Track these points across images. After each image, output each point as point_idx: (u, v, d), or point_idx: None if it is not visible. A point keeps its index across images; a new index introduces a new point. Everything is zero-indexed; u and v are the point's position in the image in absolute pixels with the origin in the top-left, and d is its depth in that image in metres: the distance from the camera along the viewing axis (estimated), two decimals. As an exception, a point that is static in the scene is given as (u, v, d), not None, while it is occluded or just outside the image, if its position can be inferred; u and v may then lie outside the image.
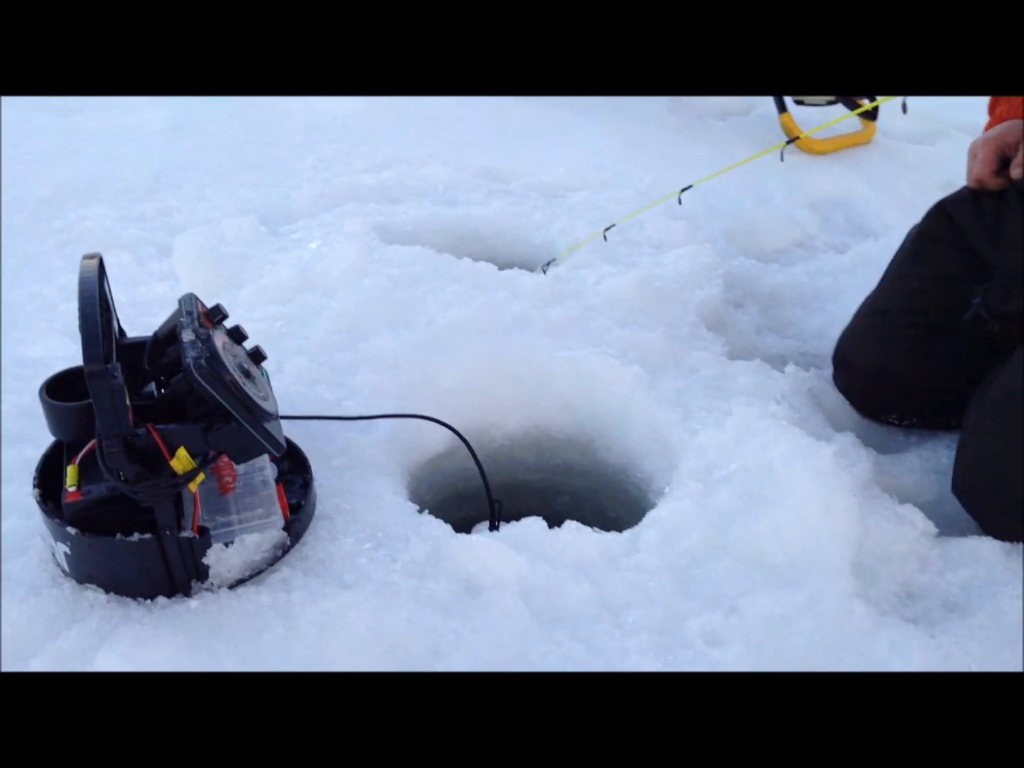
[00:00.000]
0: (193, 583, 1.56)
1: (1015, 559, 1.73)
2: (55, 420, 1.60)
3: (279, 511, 1.64)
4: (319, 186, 3.28)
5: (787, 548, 1.67)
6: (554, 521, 1.77)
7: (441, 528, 1.74)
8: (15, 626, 1.48)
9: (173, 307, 1.66)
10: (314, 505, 1.75)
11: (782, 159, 2.43)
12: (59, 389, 1.61)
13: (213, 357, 1.48)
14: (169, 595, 1.55)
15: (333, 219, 2.99)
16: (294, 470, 1.80)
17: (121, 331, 1.73)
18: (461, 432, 2.00)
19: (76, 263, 1.54)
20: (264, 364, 1.74)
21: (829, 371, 2.31)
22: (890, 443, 2.17)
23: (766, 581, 1.64)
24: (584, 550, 1.70)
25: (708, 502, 1.78)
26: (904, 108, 1.88)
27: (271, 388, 1.70)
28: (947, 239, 2.11)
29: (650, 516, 1.80)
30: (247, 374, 1.57)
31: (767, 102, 4.03)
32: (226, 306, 1.69)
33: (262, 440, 1.52)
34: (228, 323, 1.72)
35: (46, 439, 1.69)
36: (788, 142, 2.34)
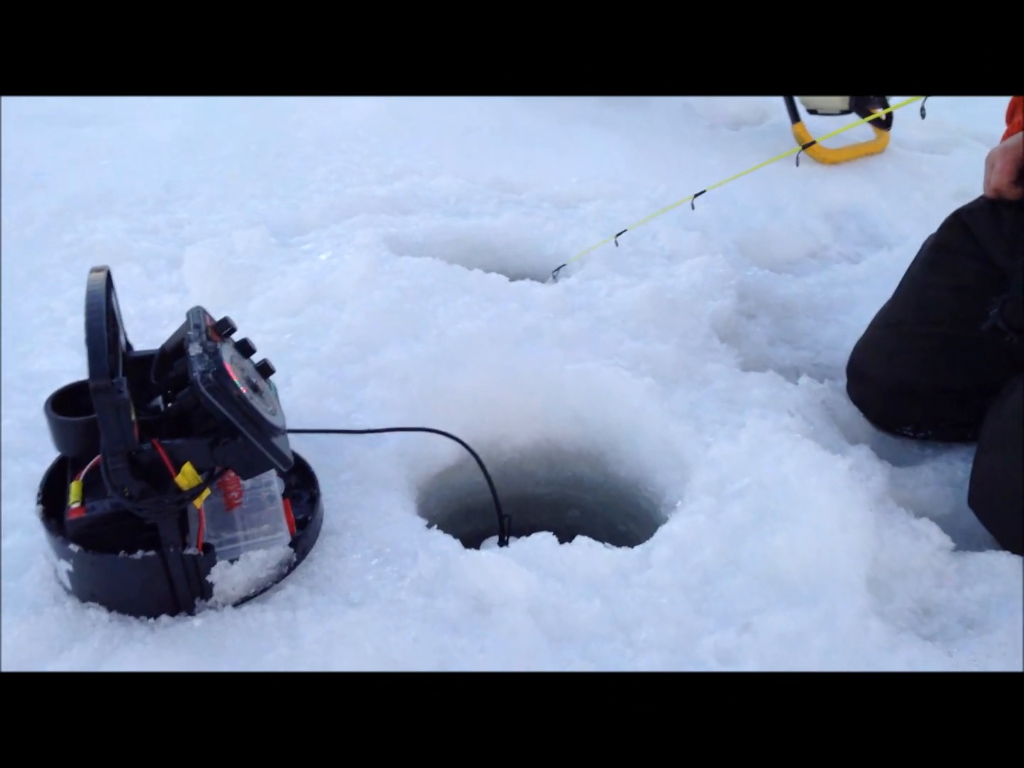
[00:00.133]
0: (197, 601, 1.54)
1: (1034, 574, 1.71)
2: (59, 435, 1.59)
3: (285, 527, 1.62)
4: (330, 197, 3.28)
5: (802, 564, 1.65)
6: (564, 535, 1.75)
7: (450, 544, 1.72)
8: (16, 645, 1.46)
9: (182, 320, 1.65)
10: (321, 520, 1.73)
11: (797, 164, 2.41)
12: (64, 403, 1.60)
13: (220, 371, 1.46)
14: (172, 613, 1.53)
15: (344, 230, 2.98)
16: (301, 485, 1.79)
17: (128, 344, 1.72)
18: (471, 445, 1.98)
19: (85, 276, 1.53)
20: (272, 377, 1.72)
21: (843, 383, 2.29)
22: (905, 456, 2.15)
23: (780, 598, 1.61)
24: (595, 566, 1.68)
25: (721, 517, 1.76)
26: (923, 113, 1.86)
27: (279, 402, 1.68)
28: (964, 249, 2.08)
29: (662, 531, 1.77)
30: (255, 388, 1.56)
31: (780, 112, 4.01)
32: (235, 318, 1.67)
33: (269, 455, 1.50)
34: (236, 336, 1.70)
35: (51, 454, 1.67)
36: (804, 147, 2.33)
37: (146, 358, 1.66)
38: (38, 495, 1.59)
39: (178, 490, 1.44)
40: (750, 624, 1.56)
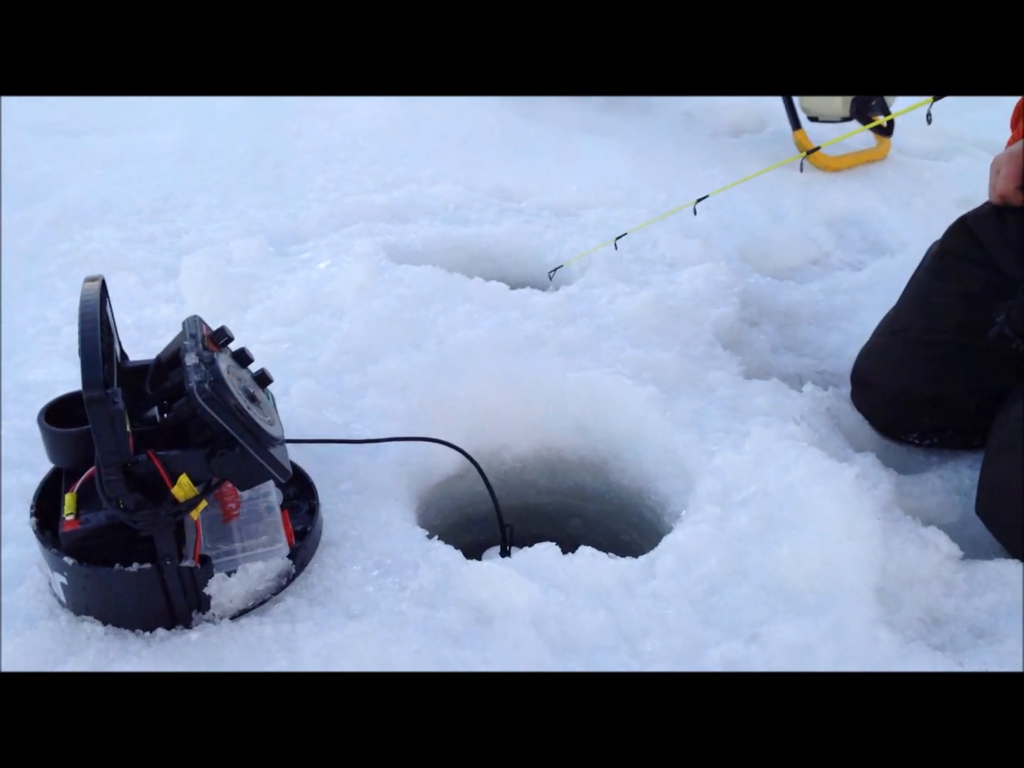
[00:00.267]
0: (194, 614, 1.52)
1: (1043, 583, 1.69)
2: (53, 446, 1.57)
3: (284, 538, 1.60)
4: (328, 206, 3.26)
5: (809, 573, 1.63)
6: (566, 545, 1.74)
7: (451, 554, 1.70)
8: (10, 659, 1.44)
9: (179, 329, 1.64)
10: (320, 531, 1.71)
11: (802, 170, 2.40)
12: (58, 414, 1.58)
13: (217, 381, 1.45)
14: (169, 627, 1.51)
15: (342, 239, 2.96)
16: (300, 495, 1.77)
17: (123, 354, 1.71)
18: (471, 455, 1.97)
19: (80, 286, 1.51)
20: (270, 387, 1.70)
21: (847, 390, 2.27)
22: (910, 464, 2.13)
23: (788, 608, 1.59)
24: (599, 577, 1.66)
25: (727, 526, 1.74)
26: (928, 118, 1.84)
27: (277, 412, 1.66)
28: (969, 256, 2.07)
29: (667, 541, 1.75)
30: (252, 398, 1.54)
31: (780, 120, 4.00)
32: (232, 328, 1.66)
33: (267, 466, 1.49)
34: (233, 345, 1.68)
35: (45, 465, 1.65)
36: (808, 153, 2.31)
37: (142, 368, 1.65)
38: (32, 507, 1.58)
39: (174, 502, 1.42)
40: (757, 635, 1.54)
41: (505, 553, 1.85)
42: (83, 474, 1.53)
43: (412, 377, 2.17)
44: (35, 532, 1.51)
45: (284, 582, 1.59)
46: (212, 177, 3.53)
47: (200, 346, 1.55)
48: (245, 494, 1.66)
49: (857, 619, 1.55)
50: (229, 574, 1.53)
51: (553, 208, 3.31)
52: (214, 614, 1.53)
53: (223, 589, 1.53)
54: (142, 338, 2.33)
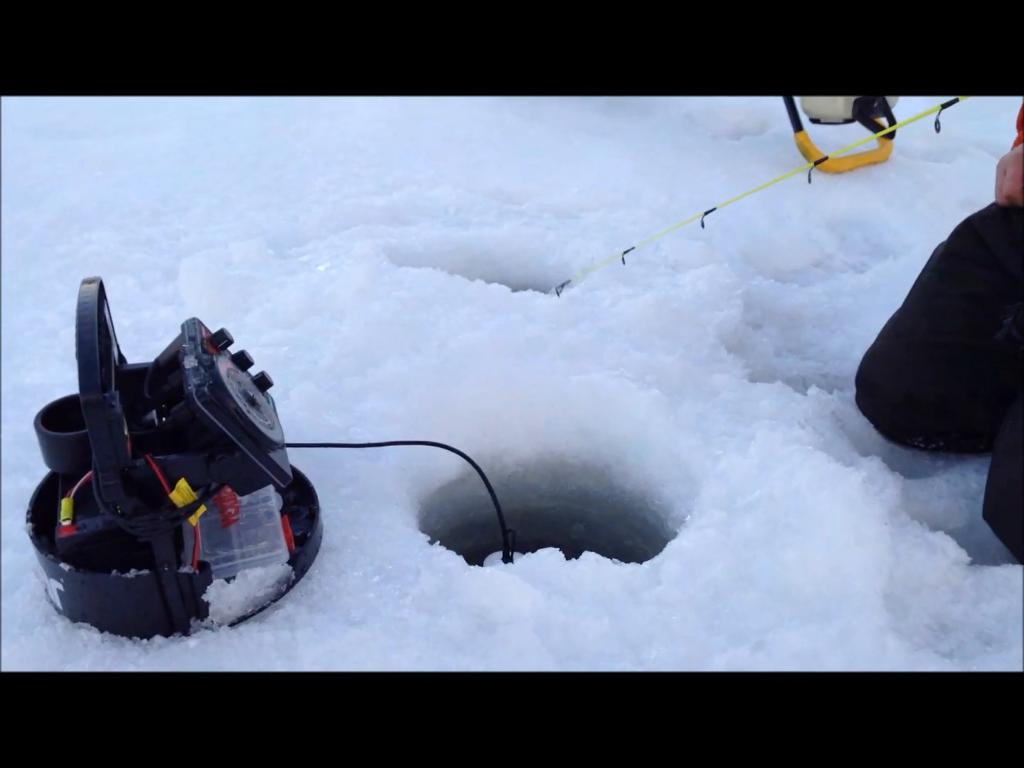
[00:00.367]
0: (192, 621, 1.50)
1: (1052, 589, 1.67)
2: (50, 451, 1.56)
3: (284, 544, 1.58)
4: (328, 208, 3.25)
5: (815, 579, 1.62)
6: (569, 550, 1.72)
7: (453, 560, 1.69)
8: (6, 666, 1.42)
9: (178, 332, 1.62)
10: (320, 537, 1.69)
11: (809, 180, 2.39)
12: (55, 418, 1.57)
13: (216, 384, 1.43)
14: (167, 634, 1.49)
15: (342, 241, 2.95)
16: (300, 500, 1.75)
17: (122, 357, 1.69)
18: (473, 459, 1.95)
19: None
20: (270, 390, 1.69)
21: (851, 393, 2.26)
22: (916, 467, 2.12)
23: (794, 615, 1.57)
24: (603, 583, 1.64)
25: (732, 531, 1.72)
26: (937, 126, 1.82)
27: (277, 415, 1.64)
28: (975, 257, 2.05)
29: (671, 546, 1.74)
30: (252, 401, 1.52)
31: (781, 121, 3.99)
32: (232, 331, 1.65)
33: (267, 470, 1.47)
34: (233, 348, 1.67)
35: (42, 470, 1.64)
36: (817, 163, 2.30)
37: (140, 371, 1.64)
38: (28, 512, 1.56)
39: (172, 507, 1.41)
40: (764, 642, 1.52)
41: (507, 559, 1.83)
42: (80, 479, 1.52)
43: (413, 380, 2.16)
44: (31, 537, 1.50)
45: (284, 588, 1.57)
46: (211, 179, 3.52)
47: (199, 349, 1.53)
48: (244, 499, 1.65)
49: (864, 626, 1.53)
50: (228, 580, 1.52)
51: (554, 210, 3.31)
52: (213, 621, 1.51)
53: (222, 595, 1.51)
54: (141, 341, 2.32)
